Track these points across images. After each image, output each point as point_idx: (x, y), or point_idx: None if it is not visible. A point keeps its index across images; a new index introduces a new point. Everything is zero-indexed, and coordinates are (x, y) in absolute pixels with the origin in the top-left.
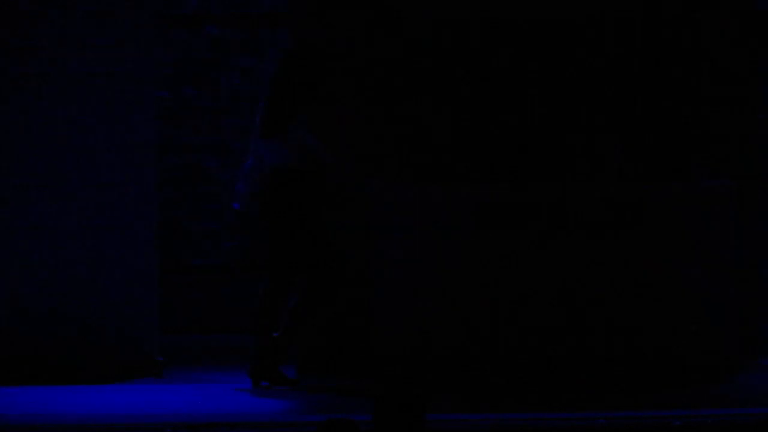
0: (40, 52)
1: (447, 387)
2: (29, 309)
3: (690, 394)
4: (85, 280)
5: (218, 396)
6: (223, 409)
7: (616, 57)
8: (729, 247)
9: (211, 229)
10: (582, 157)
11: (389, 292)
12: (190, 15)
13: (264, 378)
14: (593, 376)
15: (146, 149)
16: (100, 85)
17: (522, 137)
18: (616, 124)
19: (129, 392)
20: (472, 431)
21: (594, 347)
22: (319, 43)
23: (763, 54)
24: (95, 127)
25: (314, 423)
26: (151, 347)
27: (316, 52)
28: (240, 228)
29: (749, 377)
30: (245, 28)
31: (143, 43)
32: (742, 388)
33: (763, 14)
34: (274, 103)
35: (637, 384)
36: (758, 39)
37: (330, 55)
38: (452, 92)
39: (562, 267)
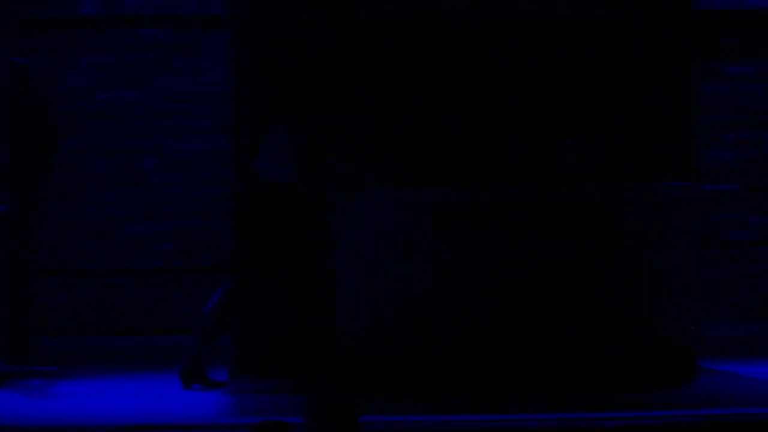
0: None
1: (401, 388)
2: None
3: (641, 397)
4: None
5: (149, 397)
6: (155, 413)
7: (546, 58)
8: (690, 248)
9: (149, 231)
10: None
11: (348, 295)
12: (126, 17)
13: (195, 381)
14: (549, 377)
15: None
16: None
17: (467, 140)
18: (554, 125)
19: (62, 397)
20: None
21: (550, 348)
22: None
23: (702, 54)
24: None
25: (247, 425)
26: None
27: (314, 67)
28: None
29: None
30: (179, 30)
31: None
32: (684, 391)
33: (700, 14)
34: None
35: (596, 386)
36: (697, 39)
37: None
38: (393, 95)
39: (518, 268)
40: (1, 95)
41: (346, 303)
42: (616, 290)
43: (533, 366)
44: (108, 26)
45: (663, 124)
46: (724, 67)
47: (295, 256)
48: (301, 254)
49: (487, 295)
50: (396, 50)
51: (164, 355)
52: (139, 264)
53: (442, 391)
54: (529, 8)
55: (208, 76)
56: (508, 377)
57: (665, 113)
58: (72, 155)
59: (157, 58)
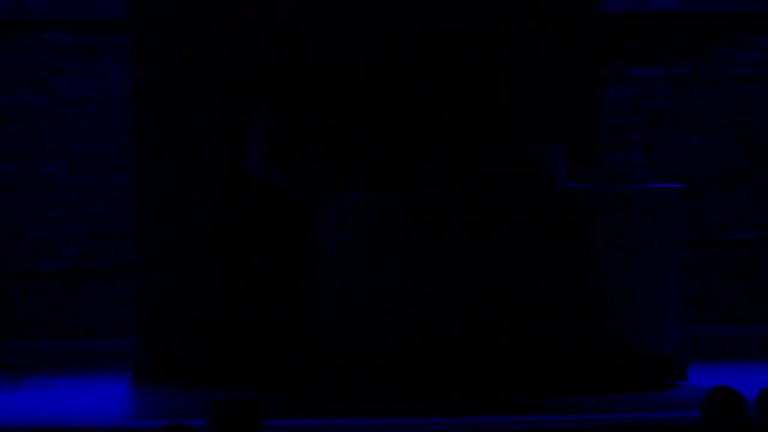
0: None
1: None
2: None
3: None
4: None
5: (52, 401)
6: (59, 415)
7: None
8: (673, 249)
9: (53, 236)
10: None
11: (328, 296)
12: (30, 21)
13: None
14: (535, 378)
15: None
16: None
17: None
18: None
19: None
20: None
21: (538, 348)
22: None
23: (611, 56)
24: None
25: (150, 428)
26: None
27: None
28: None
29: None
30: (85, 34)
31: None
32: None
33: (609, 17)
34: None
35: (578, 385)
36: (606, 42)
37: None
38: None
39: (502, 269)
40: None
41: (324, 302)
42: (594, 291)
43: (517, 367)
44: (11, 29)
45: (567, 127)
46: (629, 70)
47: (279, 255)
48: (286, 253)
49: (471, 296)
50: (312, 53)
51: (70, 358)
52: (44, 267)
53: (414, 390)
54: (437, 13)
55: (110, 80)
56: (491, 378)
57: (570, 116)
58: None
59: (60, 61)
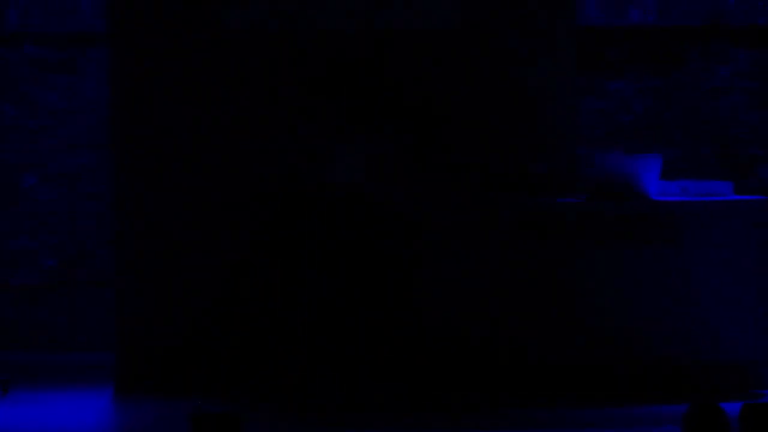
0: None
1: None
2: None
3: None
4: None
5: (33, 415)
6: (40, 429)
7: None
8: (757, 259)
9: (30, 248)
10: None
11: (430, 300)
12: (9, 34)
13: None
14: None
15: None
16: None
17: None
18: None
19: None
20: None
21: (630, 355)
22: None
23: (588, 69)
24: None
25: None
26: None
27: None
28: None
29: None
30: (63, 47)
31: None
32: None
33: (587, 30)
34: None
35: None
36: (584, 54)
37: None
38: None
39: (600, 278)
40: None
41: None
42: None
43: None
44: None
45: (546, 138)
46: (606, 82)
47: (365, 263)
48: (374, 261)
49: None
50: (281, 62)
51: (49, 371)
52: (20, 280)
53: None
54: (414, 20)
55: (87, 93)
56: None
57: (549, 127)
58: None
59: (37, 74)
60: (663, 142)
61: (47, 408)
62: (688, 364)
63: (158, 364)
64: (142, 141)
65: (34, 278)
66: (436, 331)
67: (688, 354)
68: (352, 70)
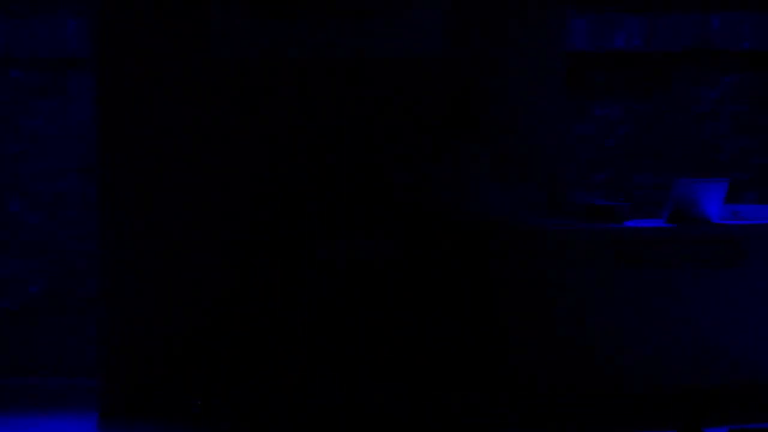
0: None
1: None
2: None
3: None
4: None
5: None
6: None
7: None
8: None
9: (15, 273)
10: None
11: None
12: None
13: None
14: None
15: None
16: None
17: None
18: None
19: None
20: None
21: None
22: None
23: (570, 94)
24: None
25: None
26: None
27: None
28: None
29: None
30: (48, 72)
31: None
32: None
33: (573, 55)
34: None
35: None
36: (570, 79)
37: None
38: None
39: (688, 300)
40: None
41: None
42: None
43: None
44: None
45: (537, 165)
46: (592, 107)
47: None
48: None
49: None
50: (265, 89)
51: (33, 395)
52: (7, 305)
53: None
54: (407, 48)
55: (72, 118)
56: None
57: (539, 152)
58: None
59: (23, 99)
60: (648, 167)
61: (35, 429)
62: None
63: (143, 387)
64: (128, 165)
65: (21, 303)
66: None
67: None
68: (334, 97)
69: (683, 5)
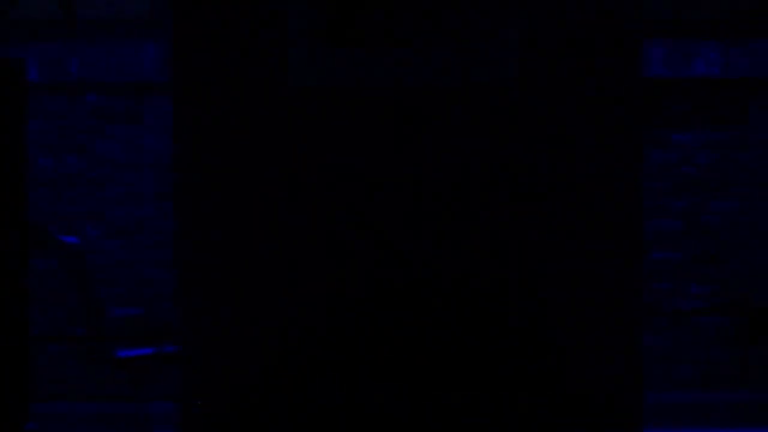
0: None
1: None
2: None
3: None
4: None
5: None
6: None
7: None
8: None
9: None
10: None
11: None
12: (71, 82)
13: None
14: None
15: None
16: None
17: None
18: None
19: None
20: None
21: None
22: None
23: (648, 121)
24: None
25: None
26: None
27: None
28: None
29: None
30: (125, 97)
31: None
32: None
33: (652, 81)
34: None
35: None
36: (648, 106)
37: None
38: None
39: None
40: None
41: None
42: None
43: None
44: (51, 92)
45: (610, 194)
46: (671, 134)
47: None
48: None
49: None
50: (346, 119)
51: (108, 422)
52: (83, 332)
53: None
54: (472, 76)
55: (148, 143)
56: None
57: (613, 181)
58: None
59: (98, 124)
60: (726, 196)
61: None
62: None
63: (236, 411)
64: (204, 192)
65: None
66: None
67: None
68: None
69: (761, 32)
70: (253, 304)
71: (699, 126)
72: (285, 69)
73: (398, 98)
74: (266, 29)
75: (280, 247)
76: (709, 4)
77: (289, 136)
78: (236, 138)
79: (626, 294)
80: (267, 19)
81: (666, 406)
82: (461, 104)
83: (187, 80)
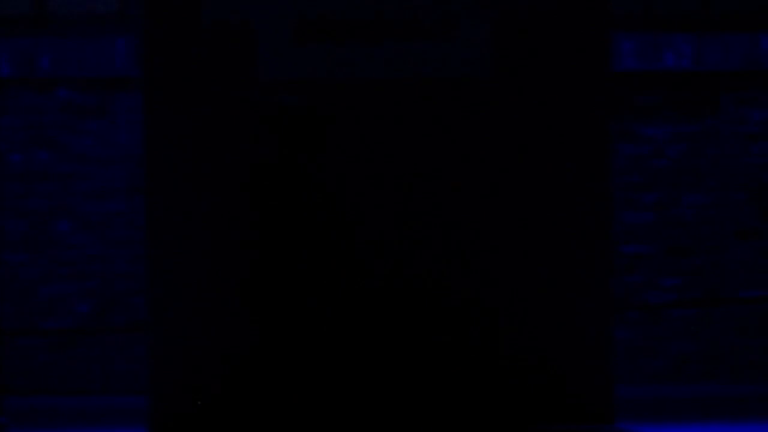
0: None
1: None
2: None
3: None
4: None
5: None
6: None
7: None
8: None
9: (63, 293)
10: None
11: None
12: (42, 78)
13: None
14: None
15: None
16: None
17: None
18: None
19: None
20: None
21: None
22: None
23: (618, 115)
24: None
25: None
26: None
27: None
28: None
29: None
30: (96, 92)
31: None
32: None
33: (621, 74)
34: None
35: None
36: (618, 99)
37: None
38: None
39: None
40: None
41: None
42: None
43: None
44: (22, 88)
45: (582, 187)
46: (641, 127)
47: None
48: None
49: None
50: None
51: (80, 415)
52: (54, 324)
53: None
54: (445, 69)
55: (119, 138)
56: None
57: (583, 174)
58: None
59: (69, 119)
60: (697, 188)
61: None
62: None
63: (193, 408)
64: (175, 186)
65: (68, 323)
66: None
67: None
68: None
69: (732, 25)
70: (221, 297)
71: (670, 119)
72: (254, 63)
73: (366, 89)
74: (236, 25)
75: (249, 238)
76: None
77: (258, 128)
78: (205, 132)
79: (597, 287)
80: (237, 14)
81: (638, 399)
82: (432, 96)
83: (156, 76)
